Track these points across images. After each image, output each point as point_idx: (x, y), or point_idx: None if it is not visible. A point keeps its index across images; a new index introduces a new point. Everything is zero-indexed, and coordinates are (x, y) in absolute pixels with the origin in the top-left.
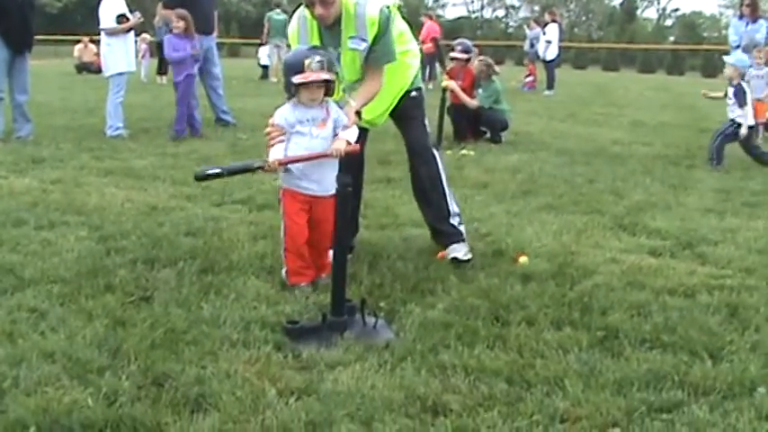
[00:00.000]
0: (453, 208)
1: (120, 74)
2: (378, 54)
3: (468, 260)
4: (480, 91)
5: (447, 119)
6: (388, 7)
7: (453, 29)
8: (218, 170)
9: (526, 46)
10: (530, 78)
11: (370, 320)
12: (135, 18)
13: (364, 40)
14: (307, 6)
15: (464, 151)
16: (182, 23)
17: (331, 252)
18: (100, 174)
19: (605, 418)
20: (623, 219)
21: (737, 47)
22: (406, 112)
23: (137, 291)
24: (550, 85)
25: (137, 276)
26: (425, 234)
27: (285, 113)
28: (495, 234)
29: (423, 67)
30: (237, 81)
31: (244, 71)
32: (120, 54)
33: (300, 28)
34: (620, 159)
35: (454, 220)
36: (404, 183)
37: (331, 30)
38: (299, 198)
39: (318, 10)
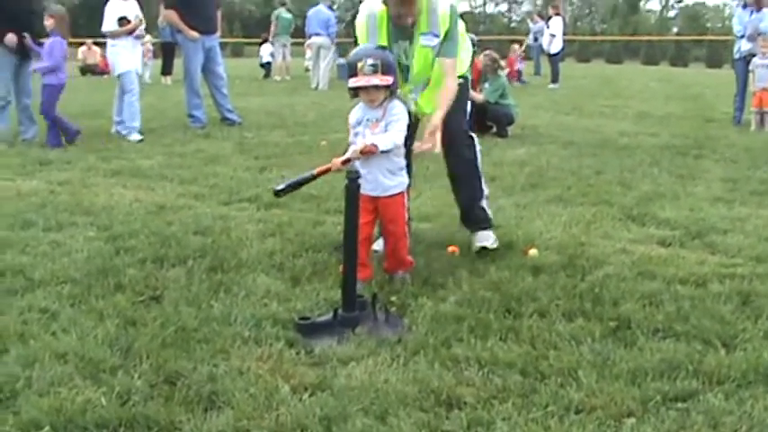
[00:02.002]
0: (485, 190)
1: (126, 72)
2: (445, 49)
3: (496, 248)
4: (487, 85)
5: None
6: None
7: None
8: (283, 186)
9: (530, 40)
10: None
11: (382, 315)
12: (136, 20)
13: (437, 35)
14: (384, 3)
15: None
16: (50, 21)
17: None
18: (107, 174)
19: (620, 408)
20: (632, 209)
21: (742, 36)
22: (451, 120)
23: (147, 290)
24: (555, 79)
25: (146, 275)
26: (434, 228)
27: (352, 114)
28: (505, 227)
29: None
30: (241, 80)
31: (247, 70)
32: (125, 53)
33: (369, 24)
34: (627, 151)
35: (484, 203)
36: (413, 178)
37: (401, 25)
38: (363, 198)
39: (399, 10)
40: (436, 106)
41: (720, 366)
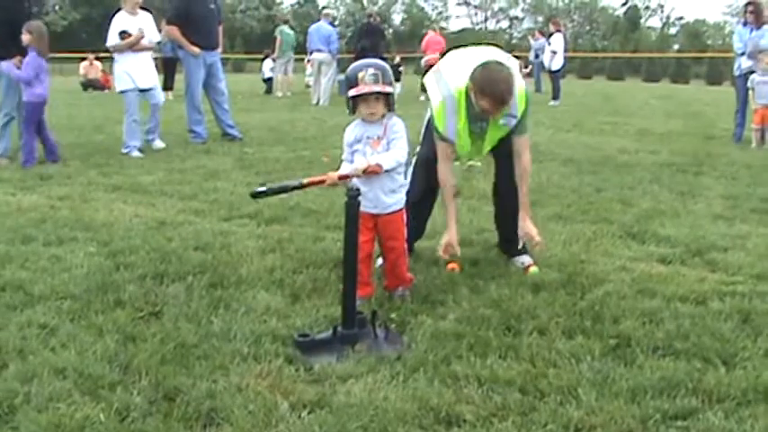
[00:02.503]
0: None
1: (125, 91)
2: (520, 127)
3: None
4: None
5: None
6: None
7: (457, 41)
8: (263, 189)
9: (531, 56)
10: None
11: (382, 332)
12: (138, 33)
13: (514, 116)
14: (474, 93)
15: (471, 162)
16: (27, 36)
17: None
18: (107, 190)
19: (620, 426)
20: (632, 227)
21: (742, 54)
22: (504, 146)
23: (146, 306)
24: (556, 96)
25: (146, 291)
26: (434, 246)
27: (348, 132)
28: None
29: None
30: (243, 96)
31: (249, 86)
32: (124, 70)
33: (447, 106)
34: (627, 168)
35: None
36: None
37: None
38: (363, 216)
39: (492, 110)
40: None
41: (720, 385)
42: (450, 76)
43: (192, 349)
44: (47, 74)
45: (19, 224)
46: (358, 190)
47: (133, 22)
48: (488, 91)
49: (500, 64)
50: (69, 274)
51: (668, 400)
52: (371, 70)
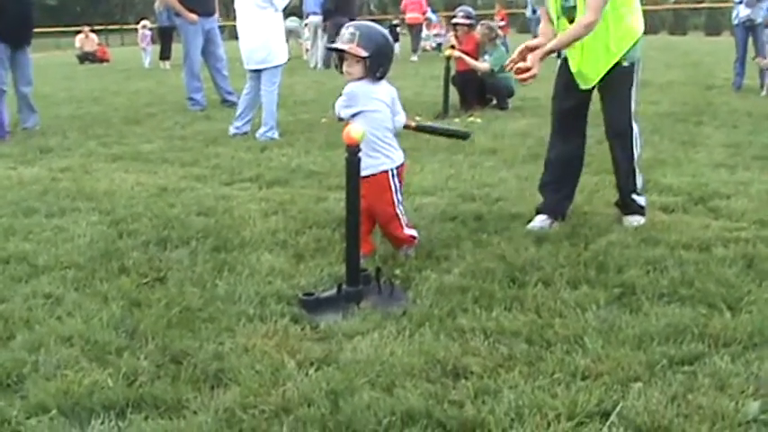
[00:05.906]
0: (639, 183)
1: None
2: None
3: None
4: (487, 57)
5: (453, 88)
6: None
7: None
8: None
9: (528, 12)
10: (501, 23)
11: (386, 289)
12: None
13: None
14: None
15: (471, 119)
16: None
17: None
18: (108, 160)
19: (626, 373)
20: None
21: (740, 2)
22: (612, 83)
23: (151, 272)
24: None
25: (150, 258)
26: (437, 202)
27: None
28: (507, 198)
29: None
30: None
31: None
32: (282, 35)
33: None
34: None
35: (637, 198)
36: (415, 153)
37: None
38: None
39: None
40: (589, 67)
41: (726, 329)
42: None
43: (197, 313)
44: None
45: (21, 197)
46: (358, 147)
47: None
48: None
49: None
50: (73, 244)
51: (674, 346)
52: (351, 29)
